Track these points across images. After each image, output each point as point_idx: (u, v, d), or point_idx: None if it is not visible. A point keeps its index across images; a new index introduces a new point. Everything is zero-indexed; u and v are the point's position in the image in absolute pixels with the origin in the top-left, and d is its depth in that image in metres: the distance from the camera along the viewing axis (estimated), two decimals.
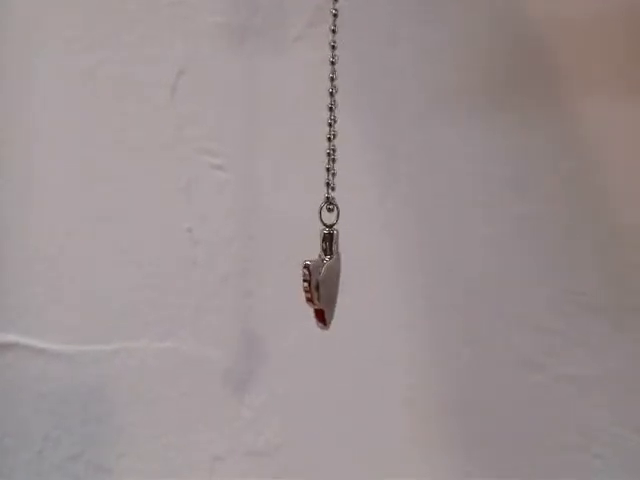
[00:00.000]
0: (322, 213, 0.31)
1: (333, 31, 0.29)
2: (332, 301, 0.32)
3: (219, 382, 0.52)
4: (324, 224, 0.31)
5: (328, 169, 0.31)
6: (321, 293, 0.31)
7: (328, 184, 0.31)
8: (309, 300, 0.31)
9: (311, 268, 0.30)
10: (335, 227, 0.31)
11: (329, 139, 0.30)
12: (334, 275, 0.31)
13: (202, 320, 0.51)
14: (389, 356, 0.51)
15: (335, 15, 0.29)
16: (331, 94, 0.30)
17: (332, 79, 0.30)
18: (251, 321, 0.51)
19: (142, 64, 0.48)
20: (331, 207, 0.31)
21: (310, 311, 0.32)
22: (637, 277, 0.47)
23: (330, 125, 0.30)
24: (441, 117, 0.47)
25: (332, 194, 0.31)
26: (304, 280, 0.30)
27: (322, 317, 0.32)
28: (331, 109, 0.30)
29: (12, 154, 0.49)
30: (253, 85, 0.47)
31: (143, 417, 0.52)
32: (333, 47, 0.30)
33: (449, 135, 0.47)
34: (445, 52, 0.46)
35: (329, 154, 0.31)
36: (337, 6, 0.29)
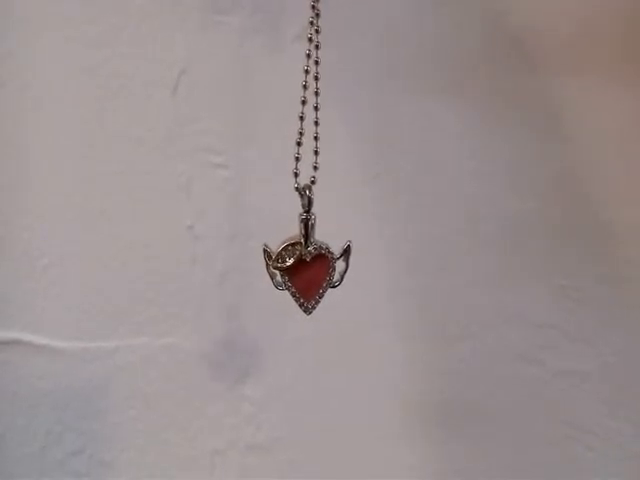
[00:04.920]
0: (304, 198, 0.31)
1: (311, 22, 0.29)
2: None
3: (219, 377, 0.52)
4: (303, 210, 0.32)
5: (297, 157, 0.31)
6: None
7: (296, 175, 0.31)
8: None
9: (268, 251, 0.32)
10: (312, 213, 0.32)
11: (316, 123, 0.30)
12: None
13: (202, 316, 0.51)
14: (386, 351, 0.51)
15: (317, 15, 0.29)
16: (316, 78, 0.30)
17: (316, 62, 0.30)
18: (250, 317, 0.51)
19: (143, 63, 0.48)
20: (302, 193, 0.31)
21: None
22: (632, 272, 0.48)
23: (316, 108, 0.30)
24: (437, 115, 0.47)
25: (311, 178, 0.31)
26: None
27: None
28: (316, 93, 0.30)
29: (11, 151, 0.49)
30: (253, 84, 0.48)
31: (144, 412, 0.52)
32: (317, 30, 0.29)
33: (445, 133, 0.48)
34: (441, 48, 0.46)
35: (316, 138, 0.31)
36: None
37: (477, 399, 0.51)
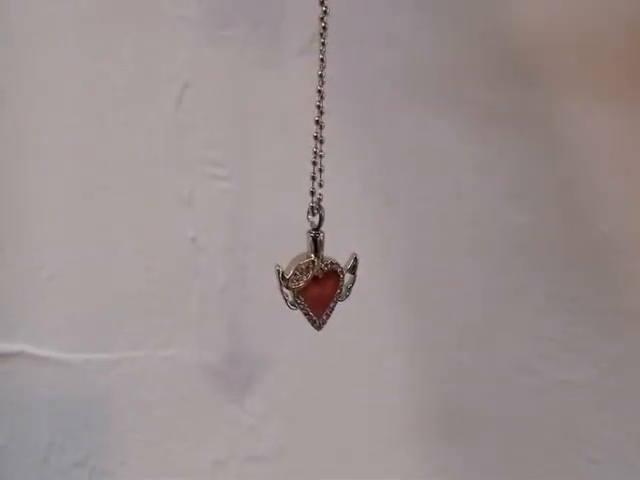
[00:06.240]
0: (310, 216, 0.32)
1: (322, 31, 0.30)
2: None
3: (220, 388, 0.52)
4: (312, 227, 0.32)
5: (314, 174, 0.31)
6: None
7: (313, 192, 0.32)
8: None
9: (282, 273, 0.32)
10: (321, 230, 0.32)
11: (318, 138, 0.31)
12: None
13: (203, 327, 0.51)
14: (387, 362, 0.51)
15: (324, 28, 0.29)
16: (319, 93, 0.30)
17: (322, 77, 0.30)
18: (251, 328, 0.51)
19: (147, 76, 0.48)
20: (315, 212, 0.32)
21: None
22: (629, 283, 0.48)
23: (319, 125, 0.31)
24: (438, 126, 0.48)
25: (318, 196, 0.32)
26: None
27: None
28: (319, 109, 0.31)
29: (13, 163, 0.49)
30: (256, 97, 0.48)
31: (145, 423, 0.52)
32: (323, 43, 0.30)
33: (444, 144, 0.48)
34: (440, 60, 0.47)
35: (319, 156, 0.31)
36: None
37: (476, 407, 0.51)
